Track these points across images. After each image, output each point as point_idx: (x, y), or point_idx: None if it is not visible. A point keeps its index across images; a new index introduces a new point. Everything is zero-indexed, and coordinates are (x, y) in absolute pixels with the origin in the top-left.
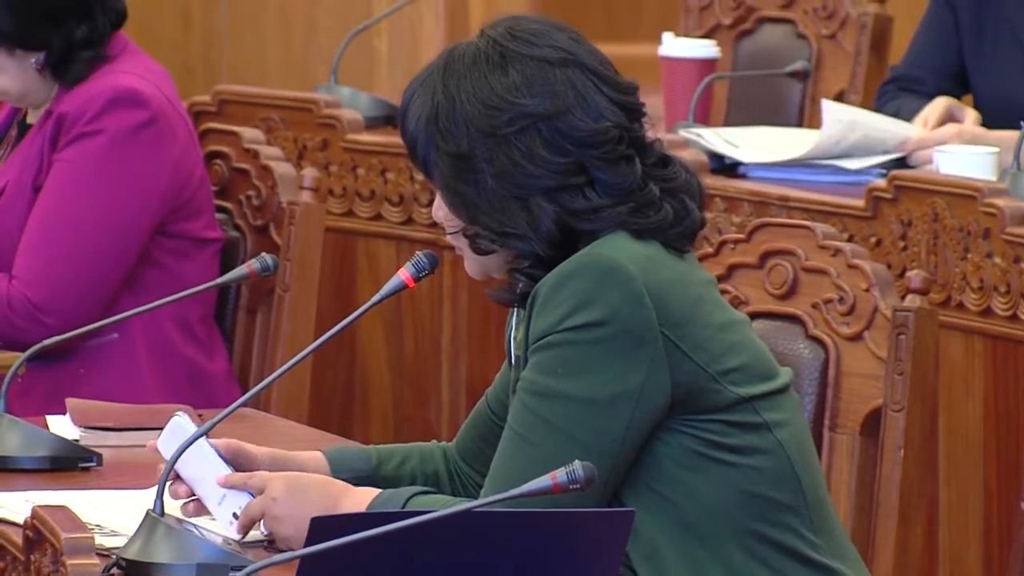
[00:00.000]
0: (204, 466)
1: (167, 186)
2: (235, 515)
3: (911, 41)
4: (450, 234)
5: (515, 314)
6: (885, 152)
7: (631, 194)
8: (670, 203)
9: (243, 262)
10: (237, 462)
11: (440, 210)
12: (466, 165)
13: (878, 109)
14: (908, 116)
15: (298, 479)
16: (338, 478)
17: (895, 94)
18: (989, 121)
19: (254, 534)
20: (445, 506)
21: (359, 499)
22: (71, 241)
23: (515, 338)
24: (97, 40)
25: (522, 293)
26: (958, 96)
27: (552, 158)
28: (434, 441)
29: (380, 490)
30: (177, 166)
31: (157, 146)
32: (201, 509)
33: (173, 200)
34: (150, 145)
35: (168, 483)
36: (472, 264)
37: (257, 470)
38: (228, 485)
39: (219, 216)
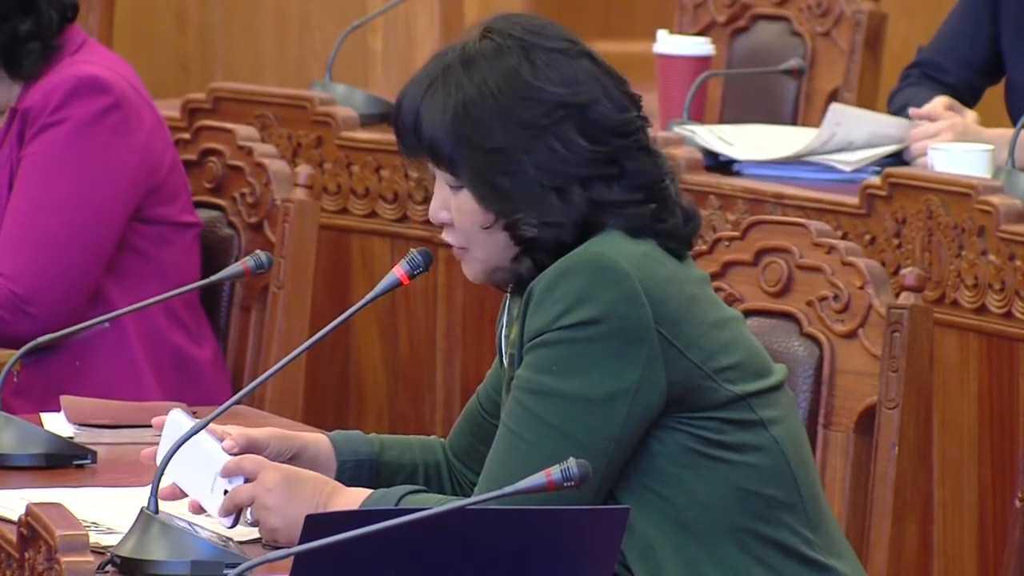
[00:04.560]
0: (201, 459)
1: (137, 169)
2: (226, 492)
3: (941, 26)
4: (485, 229)
5: (505, 312)
6: (880, 146)
7: (653, 188)
8: (679, 204)
9: (237, 259)
10: (247, 452)
11: (444, 210)
12: (503, 158)
13: (897, 92)
14: (917, 107)
15: (295, 473)
16: (340, 460)
17: (918, 80)
18: None
19: (247, 530)
20: (438, 504)
21: (351, 498)
22: (47, 231)
23: (506, 336)
24: (45, 32)
25: (521, 277)
26: (981, 88)
27: (589, 147)
28: (434, 436)
29: (372, 490)
30: (145, 149)
31: (122, 130)
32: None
33: (145, 184)
34: (115, 130)
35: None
36: (472, 267)
37: (264, 454)
38: (224, 475)
39: (213, 213)
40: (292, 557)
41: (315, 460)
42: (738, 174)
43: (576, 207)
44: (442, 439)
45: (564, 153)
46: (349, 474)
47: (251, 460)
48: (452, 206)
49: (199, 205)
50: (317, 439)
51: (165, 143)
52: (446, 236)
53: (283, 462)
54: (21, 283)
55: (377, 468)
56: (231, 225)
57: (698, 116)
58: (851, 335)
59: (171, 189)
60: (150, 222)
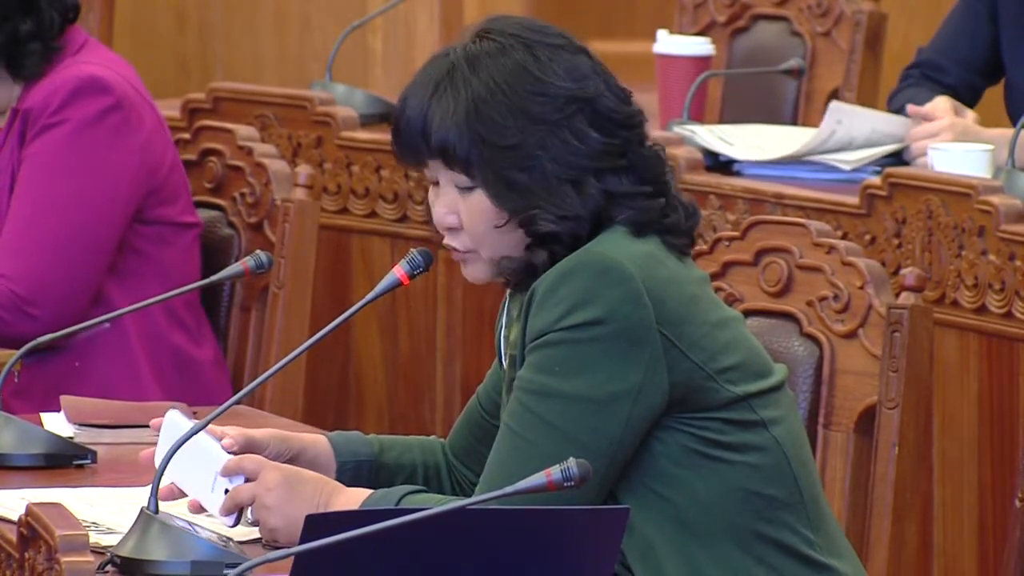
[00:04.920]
0: (201, 459)
1: (137, 169)
2: (227, 491)
3: (940, 27)
4: (500, 227)
5: (505, 313)
6: (880, 144)
7: (657, 181)
8: (678, 200)
9: (237, 259)
10: (246, 452)
11: (451, 215)
12: (520, 154)
13: (897, 92)
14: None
15: (296, 473)
16: (340, 461)
17: (917, 80)
18: None
19: (247, 530)
20: (439, 504)
21: (352, 498)
22: (48, 232)
23: (507, 337)
24: (46, 32)
25: (533, 270)
26: (981, 89)
27: (601, 138)
28: (433, 436)
29: (372, 490)
30: (146, 150)
31: (123, 131)
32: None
33: (146, 184)
34: (116, 130)
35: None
36: (476, 268)
37: (264, 454)
38: (225, 474)
39: (213, 213)
40: (292, 557)
41: (315, 461)
42: (738, 174)
43: (591, 199)
44: (442, 439)
45: (577, 146)
46: (349, 475)
47: (252, 460)
48: (461, 208)
49: (199, 205)
50: (317, 440)
51: (166, 143)
52: (451, 241)
53: (282, 463)
54: (22, 284)
55: (377, 469)
56: (231, 225)
57: (698, 116)
58: (851, 335)
59: (171, 190)
60: (150, 223)
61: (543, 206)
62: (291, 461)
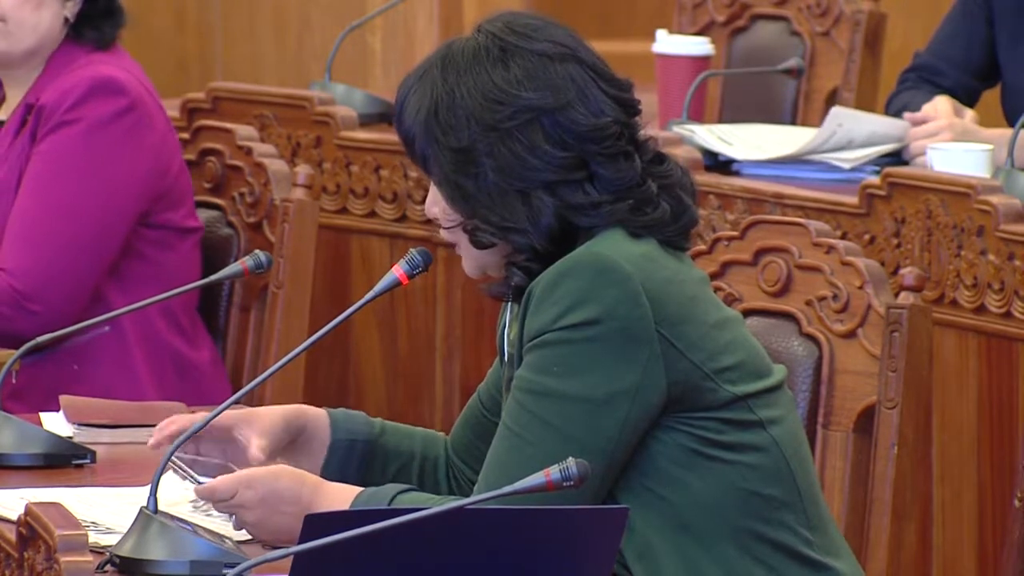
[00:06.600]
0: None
1: (148, 172)
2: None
3: (937, 29)
4: (447, 228)
5: (507, 311)
6: (878, 145)
7: (630, 191)
8: (667, 200)
9: (236, 259)
10: (240, 431)
11: (435, 206)
12: (467, 159)
13: (895, 95)
14: (916, 111)
15: (270, 485)
16: (334, 439)
17: (915, 83)
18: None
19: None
20: (435, 504)
21: (339, 496)
22: (54, 230)
23: (508, 336)
24: (118, 10)
25: (516, 287)
26: (978, 92)
27: (553, 151)
28: (440, 432)
29: (361, 488)
30: (156, 152)
31: (136, 133)
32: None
33: (155, 187)
34: (128, 132)
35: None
36: (469, 262)
37: (259, 440)
38: (200, 496)
39: (213, 213)
40: (291, 557)
41: (308, 444)
42: (737, 174)
43: (541, 212)
44: (447, 435)
45: (527, 157)
46: (340, 455)
47: (222, 486)
48: (439, 202)
49: (198, 205)
50: (317, 417)
51: (174, 147)
52: (440, 232)
53: (282, 443)
54: (24, 280)
55: (371, 451)
56: (230, 225)
57: (697, 116)
58: (850, 335)
59: (178, 193)
60: (155, 227)
61: (487, 214)
62: (289, 446)
